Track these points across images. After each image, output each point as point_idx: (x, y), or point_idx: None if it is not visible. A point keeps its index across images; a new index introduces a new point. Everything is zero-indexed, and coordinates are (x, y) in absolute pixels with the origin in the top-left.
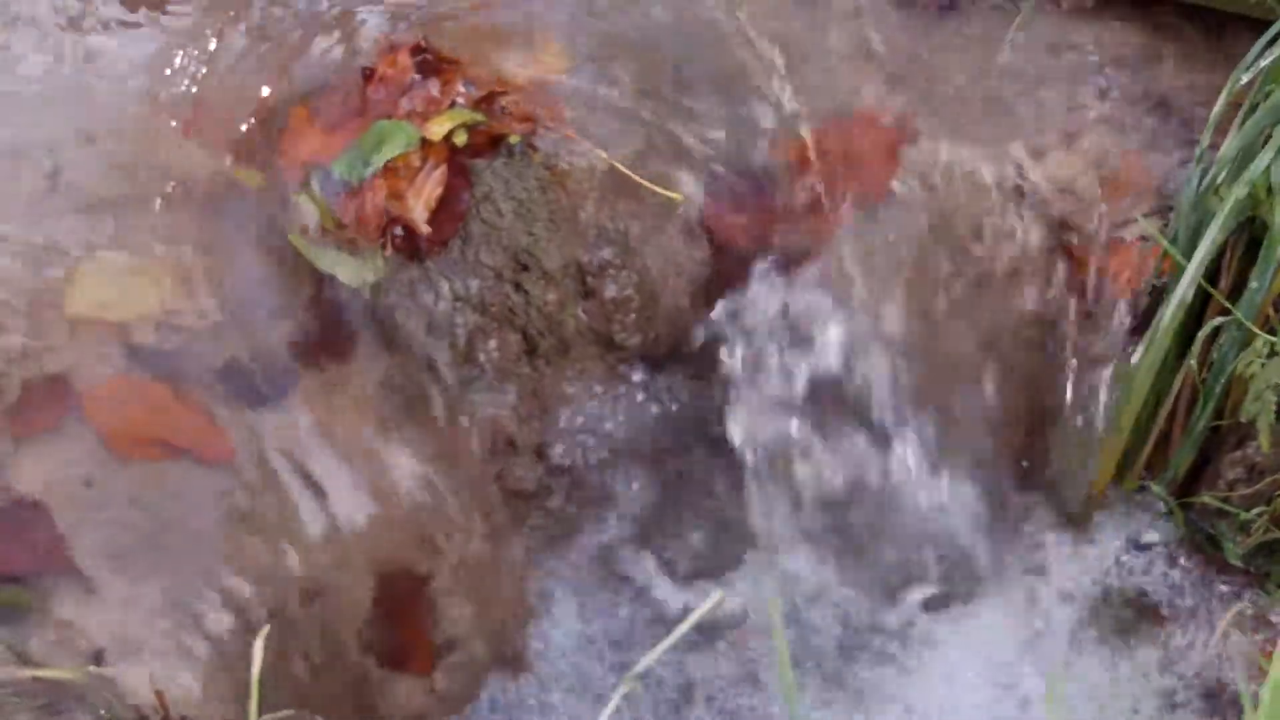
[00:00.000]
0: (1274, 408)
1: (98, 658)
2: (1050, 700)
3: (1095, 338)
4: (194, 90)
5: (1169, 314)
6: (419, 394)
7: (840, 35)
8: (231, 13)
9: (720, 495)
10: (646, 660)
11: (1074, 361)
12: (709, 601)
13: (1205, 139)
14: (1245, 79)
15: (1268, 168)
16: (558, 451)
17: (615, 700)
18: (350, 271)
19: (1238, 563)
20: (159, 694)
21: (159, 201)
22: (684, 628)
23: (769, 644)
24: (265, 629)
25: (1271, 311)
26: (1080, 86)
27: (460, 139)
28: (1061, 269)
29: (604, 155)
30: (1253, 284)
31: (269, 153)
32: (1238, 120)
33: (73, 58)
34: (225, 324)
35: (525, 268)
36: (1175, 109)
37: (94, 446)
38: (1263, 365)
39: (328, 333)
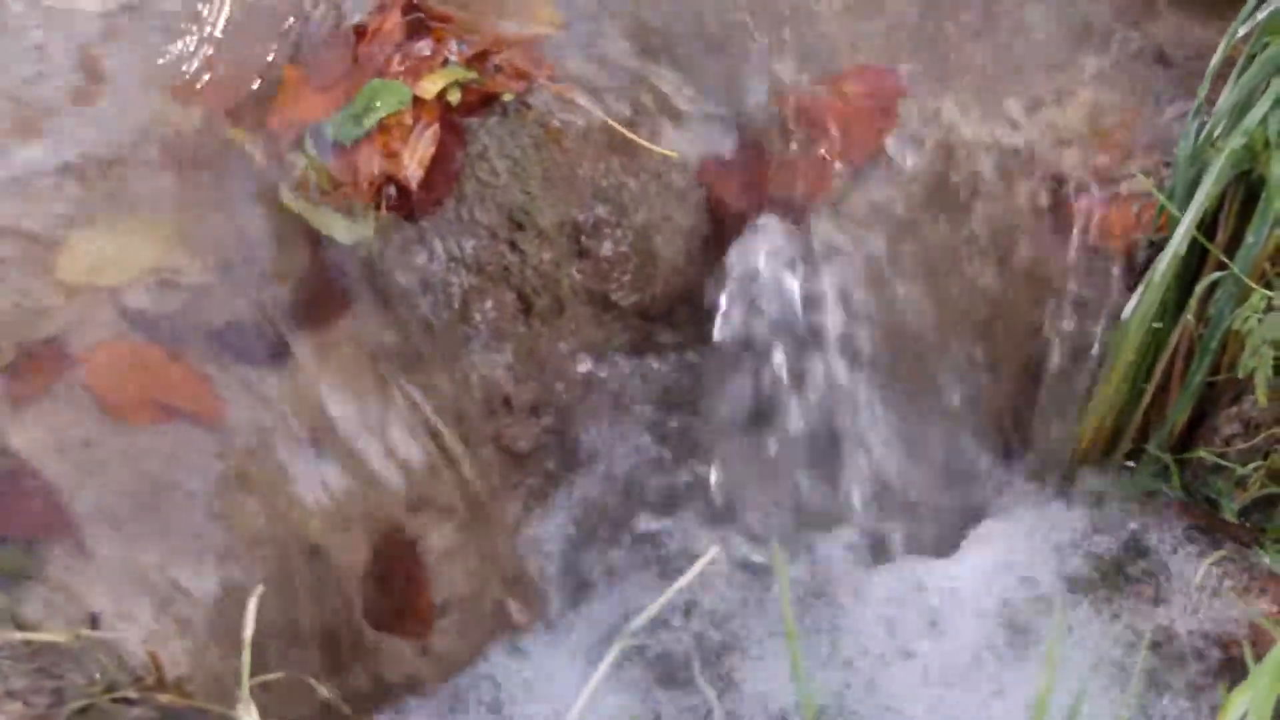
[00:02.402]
0: (1271, 363)
1: (93, 620)
2: (1050, 656)
3: (1091, 294)
4: (188, 51)
5: (1163, 267)
6: (414, 354)
7: None
8: None
9: (713, 451)
10: (642, 618)
11: (1069, 318)
12: (704, 558)
13: (1202, 92)
14: (1242, 31)
15: (1264, 119)
16: (554, 411)
17: (610, 657)
18: (345, 231)
19: (1233, 518)
20: (153, 655)
21: (153, 163)
22: (679, 585)
23: (759, 601)
24: (259, 589)
25: (1268, 266)
26: (1077, 40)
27: (453, 97)
28: (1058, 224)
29: (599, 113)
30: (1249, 238)
31: (262, 113)
32: (1235, 73)
33: (63, 20)
34: (220, 285)
35: (520, 226)
36: (1172, 62)
37: (90, 409)
38: (1259, 320)
39: (323, 293)
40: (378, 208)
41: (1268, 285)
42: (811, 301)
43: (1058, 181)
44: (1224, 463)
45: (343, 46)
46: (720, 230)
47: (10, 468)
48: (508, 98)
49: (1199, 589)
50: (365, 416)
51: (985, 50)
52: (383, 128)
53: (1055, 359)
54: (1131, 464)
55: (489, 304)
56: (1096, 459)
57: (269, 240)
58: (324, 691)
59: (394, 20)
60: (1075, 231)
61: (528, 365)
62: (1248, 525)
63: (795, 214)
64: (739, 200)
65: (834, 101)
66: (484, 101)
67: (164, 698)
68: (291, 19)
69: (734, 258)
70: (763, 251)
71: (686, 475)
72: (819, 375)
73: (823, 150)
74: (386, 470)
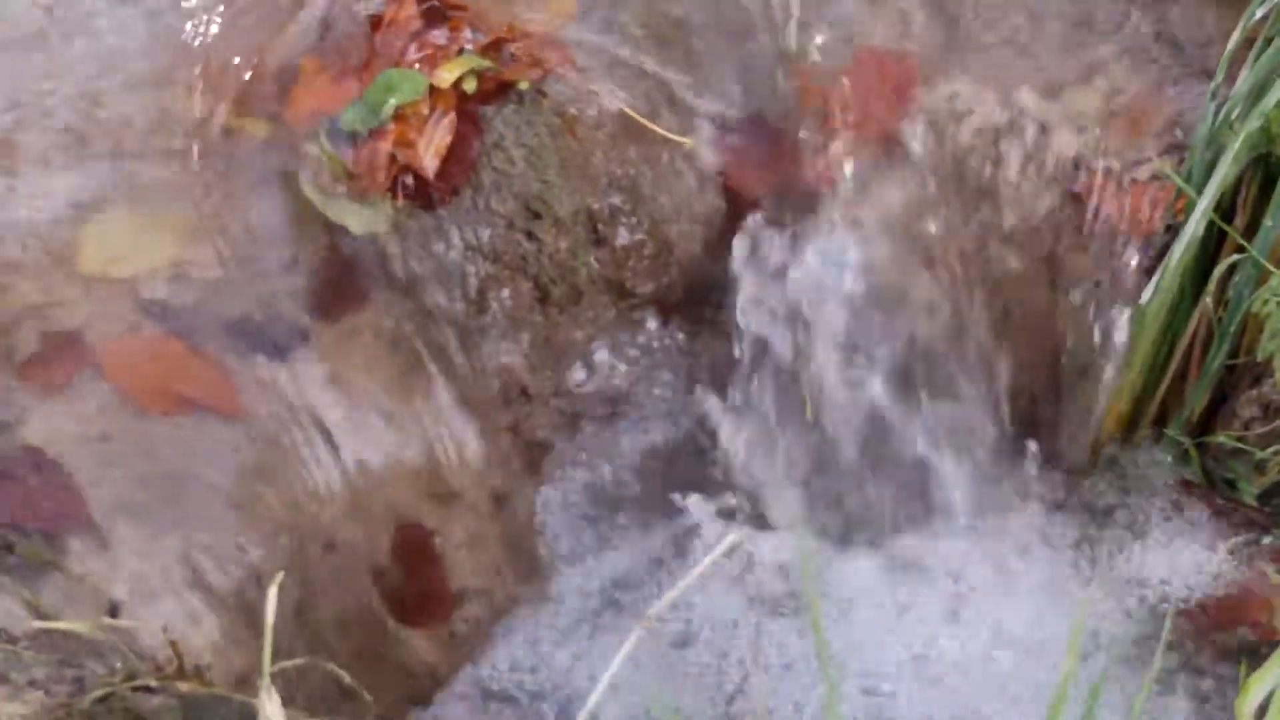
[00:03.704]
0: None
1: (113, 610)
2: (1073, 641)
3: (1109, 278)
4: (204, 43)
5: (1180, 250)
6: (432, 344)
7: None
8: None
9: (731, 439)
10: (663, 603)
11: (1087, 303)
12: (722, 545)
13: (1219, 75)
14: (1260, 13)
15: None
16: (571, 399)
17: (631, 642)
18: (360, 221)
19: (1253, 502)
20: (174, 644)
21: (170, 155)
22: (698, 571)
23: (777, 585)
24: (279, 576)
25: None
26: (1092, 25)
27: (469, 86)
28: (1075, 209)
29: (615, 101)
30: (1267, 222)
31: (279, 104)
32: (1252, 55)
33: (85, 11)
34: (238, 277)
35: (537, 215)
36: (1189, 46)
37: (109, 401)
38: (1278, 304)
39: (340, 283)
40: (394, 197)
41: None
42: (826, 289)
43: (1074, 166)
44: (1243, 446)
45: (359, 36)
46: (737, 218)
47: (31, 459)
48: (524, 86)
49: (1217, 573)
50: (382, 406)
51: (1000, 35)
52: (399, 117)
53: (1074, 344)
54: (1150, 448)
55: (506, 293)
56: (1116, 443)
57: (286, 231)
58: (346, 678)
59: (410, 9)
60: (1092, 216)
61: (545, 354)
62: (1267, 509)
63: (811, 200)
64: (755, 187)
65: (849, 88)
66: (500, 90)
67: (185, 686)
68: (308, 10)
69: (748, 246)
70: (777, 239)
71: (704, 463)
72: (834, 364)
73: (839, 136)
74: (404, 460)
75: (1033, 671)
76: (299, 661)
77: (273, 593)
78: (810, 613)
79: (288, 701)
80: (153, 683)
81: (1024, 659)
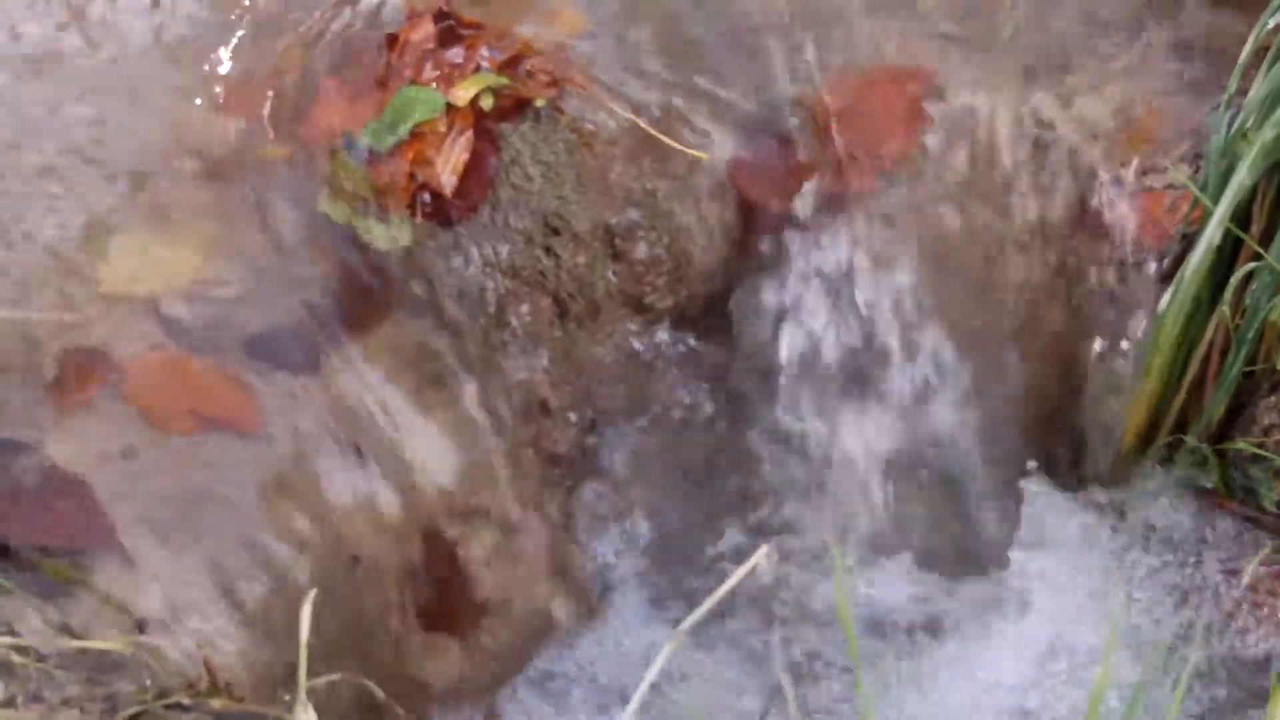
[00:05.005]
0: None
1: (140, 628)
2: (1106, 652)
3: (1125, 287)
4: (222, 62)
5: (1197, 259)
6: (452, 359)
7: None
8: None
9: (754, 452)
10: (693, 617)
11: (1103, 312)
12: (755, 557)
13: (1233, 84)
14: (1272, 23)
15: None
16: (592, 413)
17: (663, 657)
18: (380, 239)
19: (1273, 508)
20: (206, 660)
21: (190, 173)
22: (729, 584)
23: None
24: (311, 594)
25: None
26: (1106, 35)
27: (486, 103)
28: (1090, 218)
29: (630, 116)
30: None
31: (297, 122)
32: (1265, 65)
33: (103, 32)
34: (258, 293)
35: (555, 231)
36: (1203, 54)
37: (132, 419)
38: None
39: (359, 301)
40: (413, 215)
41: None
42: (846, 304)
43: (1090, 175)
44: (1262, 453)
45: (376, 56)
46: (754, 232)
47: (54, 479)
48: (540, 103)
49: (1244, 583)
50: (404, 422)
51: (1014, 46)
52: (417, 135)
53: (1091, 353)
54: (1169, 456)
55: (525, 308)
56: (1137, 453)
57: (305, 249)
58: (380, 694)
59: (426, 28)
60: (1108, 225)
61: (564, 369)
62: None
63: (828, 215)
64: (771, 201)
65: (865, 100)
66: (517, 107)
67: (216, 702)
68: (325, 30)
69: (768, 260)
70: (796, 254)
71: (727, 476)
72: (855, 377)
73: (854, 150)
74: (426, 475)
75: (1067, 689)
76: (334, 677)
77: (306, 611)
78: (848, 614)
79: (317, 715)
80: (185, 700)
81: (1056, 670)
